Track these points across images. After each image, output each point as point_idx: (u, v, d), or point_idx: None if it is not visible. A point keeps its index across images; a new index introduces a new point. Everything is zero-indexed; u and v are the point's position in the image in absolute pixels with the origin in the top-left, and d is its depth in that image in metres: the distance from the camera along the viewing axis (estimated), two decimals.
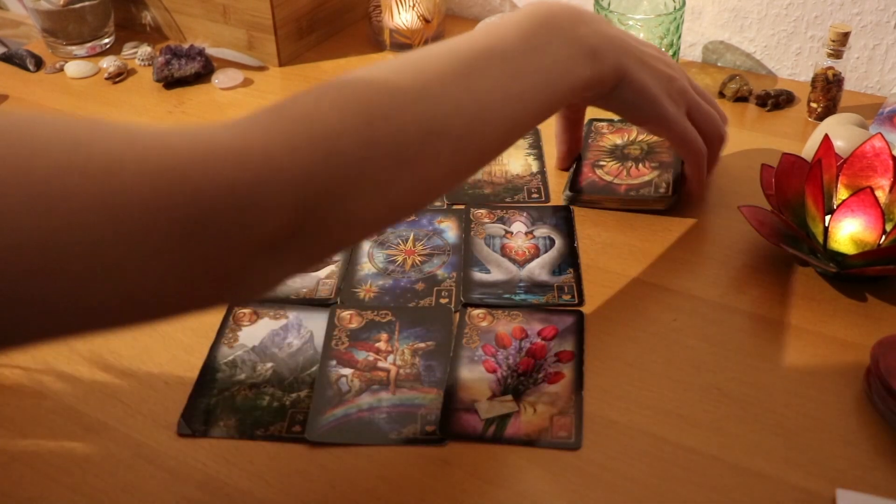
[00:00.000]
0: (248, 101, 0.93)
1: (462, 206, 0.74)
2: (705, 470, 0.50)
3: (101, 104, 0.93)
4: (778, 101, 0.87)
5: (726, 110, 0.87)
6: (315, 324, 0.61)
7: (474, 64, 0.49)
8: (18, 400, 0.56)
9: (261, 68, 1.00)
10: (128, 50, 1.04)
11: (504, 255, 0.68)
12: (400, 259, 0.68)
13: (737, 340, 0.59)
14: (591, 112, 0.78)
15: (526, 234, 0.70)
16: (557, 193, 0.75)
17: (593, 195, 0.73)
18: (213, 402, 0.56)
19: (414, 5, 0.99)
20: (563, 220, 0.71)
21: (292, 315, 0.62)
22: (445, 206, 0.74)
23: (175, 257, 0.37)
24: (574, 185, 0.74)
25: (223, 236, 0.38)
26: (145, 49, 1.01)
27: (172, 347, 0.60)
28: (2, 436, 0.54)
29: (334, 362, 0.58)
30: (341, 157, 0.42)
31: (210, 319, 0.62)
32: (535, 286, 0.64)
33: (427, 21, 1.01)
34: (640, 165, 0.75)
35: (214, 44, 1.01)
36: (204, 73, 0.97)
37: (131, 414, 0.55)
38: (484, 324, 0.61)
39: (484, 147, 0.50)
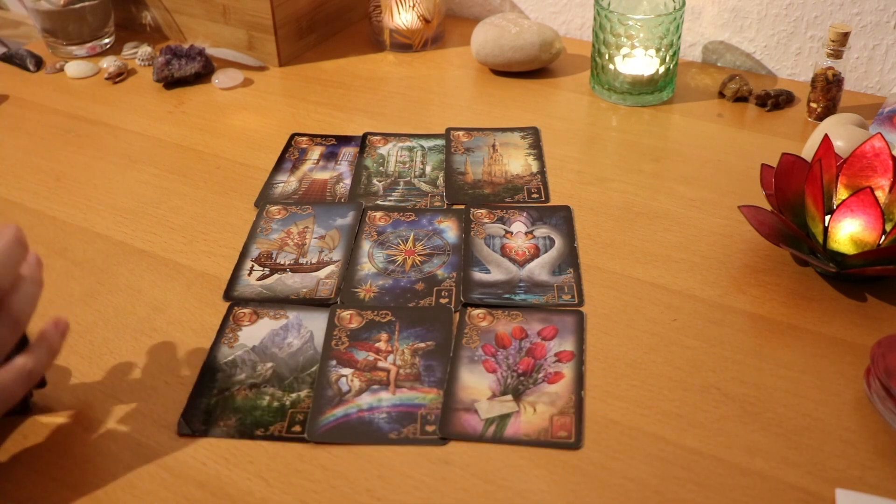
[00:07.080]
0: (248, 102, 0.93)
1: (462, 206, 0.74)
2: (705, 470, 0.50)
3: (101, 104, 0.93)
4: (778, 101, 0.87)
5: (726, 110, 0.87)
6: (315, 324, 0.61)
7: None
8: None
9: (261, 68, 1.00)
10: (128, 50, 1.04)
11: (504, 255, 0.68)
12: (400, 259, 0.68)
13: (737, 340, 0.59)
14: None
15: (526, 234, 0.70)
16: (557, 193, 0.75)
17: None
18: (213, 402, 0.56)
19: (414, 5, 1.00)
20: (563, 220, 0.71)
21: (292, 315, 0.62)
22: (445, 206, 0.74)
23: None
24: None
25: None
26: (145, 49, 1.01)
27: (172, 347, 0.60)
28: (2, 436, 0.54)
29: (334, 362, 0.58)
30: None
31: (210, 319, 0.62)
32: (535, 286, 0.64)
33: (427, 21, 1.02)
34: None
35: (214, 44, 1.01)
36: (204, 73, 0.97)
37: (131, 414, 0.55)
38: (484, 324, 0.61)
39: None
